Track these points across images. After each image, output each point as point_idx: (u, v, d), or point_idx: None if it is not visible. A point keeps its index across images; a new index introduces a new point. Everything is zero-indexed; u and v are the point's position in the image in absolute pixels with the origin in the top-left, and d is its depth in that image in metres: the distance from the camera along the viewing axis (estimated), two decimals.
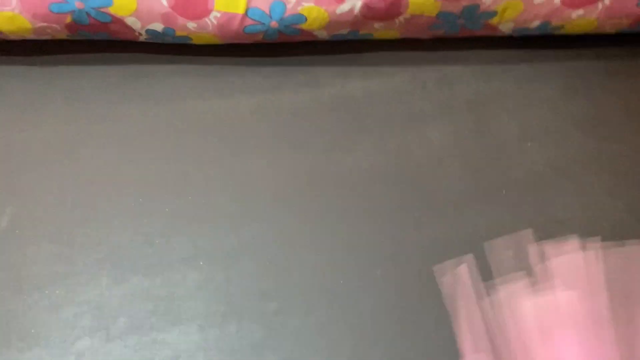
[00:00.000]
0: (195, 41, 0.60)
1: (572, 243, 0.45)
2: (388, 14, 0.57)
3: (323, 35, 0.60)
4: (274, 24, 0.57)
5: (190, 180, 0.54)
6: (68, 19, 0.56)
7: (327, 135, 0.57)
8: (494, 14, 0.58)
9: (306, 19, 0.57)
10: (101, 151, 0.55)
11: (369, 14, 0.57)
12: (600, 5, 0.58)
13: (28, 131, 0.56)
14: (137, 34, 0.58)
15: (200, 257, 0.50)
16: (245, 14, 0.56)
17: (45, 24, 0.56)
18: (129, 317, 0.47)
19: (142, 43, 0.61)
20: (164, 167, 0.55)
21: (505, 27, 0.60)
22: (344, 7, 0.56)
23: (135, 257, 0.50)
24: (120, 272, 0.49)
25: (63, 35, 0.59)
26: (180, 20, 0.56)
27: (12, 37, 0.58)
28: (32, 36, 0.58)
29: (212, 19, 0.56)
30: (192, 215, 0.52)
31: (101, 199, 0.53)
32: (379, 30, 0.59)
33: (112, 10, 0.55)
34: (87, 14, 0.55)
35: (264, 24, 0.57)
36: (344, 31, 0.59)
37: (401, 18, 0.58)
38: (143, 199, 0.53)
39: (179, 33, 0.58)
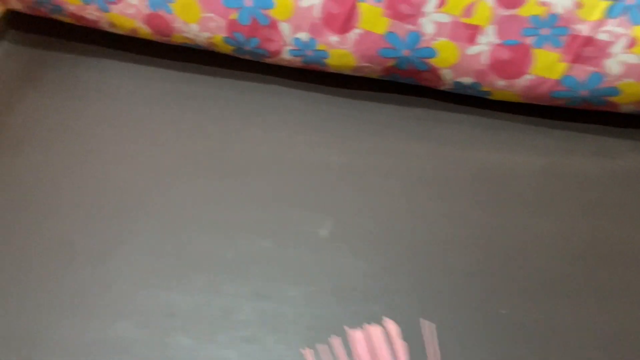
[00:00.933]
0: (494, 97, 0.64)
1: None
2: None
3: (629, 109, 0.61)
4: (584, 93, 0.59)
5: (469, 226, 0.57)
6: (390, 63, 0.62)
7: (615, 206, 0.58)
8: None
9: (620, 93, 0.58)
10: (385, 181, 0.61)
11: None
12: None
13: (343, 154, 0.63)
14: (443, 83, 0.64)
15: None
16: (559, 80, 0.59)
17: (367, 64, 0.63)
18: None
19: (440, 91, 0.66)
20: (440, 206, 0.59)
21: None
22: None
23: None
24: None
25: (375, 75, 0.66)
26: (492, 78, 0.61)
27: (333, 71, 0.66)
28: (347, 72, 0.66)
29: (524, 81, 0.60)
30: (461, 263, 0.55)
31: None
32: None
33: (433, 61, 0.61)
34: (409, 61, 0.62)
35: (574, 91, 0.59)
36: None
37: None
38: (417, 230, 0.57)
39: (483, 88, 0.62)
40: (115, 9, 0.65)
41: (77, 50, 0.72)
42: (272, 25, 0.62)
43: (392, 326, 0.50)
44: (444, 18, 0.58)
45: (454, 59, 0.60)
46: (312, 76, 0.68)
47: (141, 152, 0.62)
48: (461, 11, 0.58)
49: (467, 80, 0.62)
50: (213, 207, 0.58)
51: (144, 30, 0.67)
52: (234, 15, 0.62)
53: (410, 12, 0.58)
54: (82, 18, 0.68)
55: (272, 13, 0.62)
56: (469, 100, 0.65)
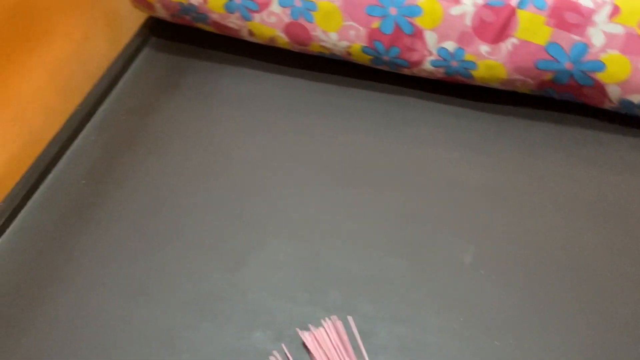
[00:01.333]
0: None
1: None
2: None
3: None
4: None
5: (635, 262, 0.51)
6: (548, 77, 0.57)
7: None
8: None
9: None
10: (536, 205, 0.55)
11: None
12: None
13: (479, 170, 0.58)
14: (608, 101, 0.57)
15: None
16: None
17: (520, 77, 0.59)
18: None
19: (601, 110, 0.60)
20: (601, 238, 0.52)
21: None
22: None
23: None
24: None
25: (525, 89, 0.60)
26: None
27: (479, 84, 0.62)
28: (494, 85, 0.62)
29: None
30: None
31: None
32: None
33: (599, 76, 0.55)
34: (572, 75, 0.56)
35: None
36: None
37: None
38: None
39: None
40: (257, 18, 0.65)
41: (214, 59, 0.73)
42: (417, 33, 0.59)
43: None
44: (617, 29, 0.52)
45: (625, 74, 0.54)
46: (451, 89, 0.65)
47: (275, 160, 0.61)
48: (637, 22, 0.52)
49: (637, 98, 0.55)
50: (348, 219, 0.55)
51: (282, 39, 0.67)
52: (376, 24, 0.60)
53: (578, 21, 0.53)
54: (224, 27, 0.69)
55: (418, 21, 0.59)
56: (635, 121, 0.59)
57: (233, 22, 0.68)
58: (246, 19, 0.66)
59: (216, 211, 0.57)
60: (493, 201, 0.56)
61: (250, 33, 0.69)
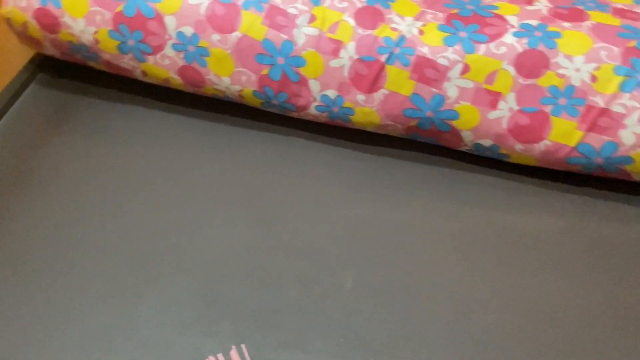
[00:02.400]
0: (512, 160, 0.66)
1: None
2: None
3: (638, 178, 0.64)
4: (599, 160, 0.62)
5: (490, 283, 0.58)
6: (413, 123, 0.65)
7: (629, 270, 0.59)
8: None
9: (634, 162, 0.61)
10: (405, 237, 0.62)
11: None
12: None
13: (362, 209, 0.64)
14: (463, 144, 0.67)
15: None
16: (575, 147, 0.61)
17: (391, 123, 0.66)
18: None
19: (459, 151, 0.68)
20: (461, 264, 0.60)
21: None
22: None
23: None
24: None
25: (397, 133, 0.68)
26: (512, 141, 0.63)
27: (357, 127, 0.69)
28: (370, 129, 0.69)
29: (542, 146, 0.62)
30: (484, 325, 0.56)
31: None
32: None
33: (455, 122, 0.64)
34: (432, 122, 0.64)
35: (589, 159, 0.62)
36: None
37: None
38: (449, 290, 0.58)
39: (502, 151, 0.65)
40: (151, 60, 0.68)
41: (106, 96, 0.74)
42: (302, 81, 0.65)
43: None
44: (467, 84, 0.62)
45: (475, 121, 0.63)
46: (336, 131, 0.71)
47: (168, 197, 0.64)
48: (484, 78, 0.62)
49: (486, 142, 0.65)
50: (241, 253, 0.59)
51: (176, 81, 0.70)
52: (265, 71, 0.65)
53: (436, 77, 0.62)
54: (116, 67, 0.71)
55: (303, 71, 0.65)
56: (487, 161, 0.68)
57: (126, 62, 0.70)
58: (140, 60, 0.68)
59: (109, 249, 0.58)
60: (372, 234, 0.62)
61: (144, 74, 0.71)
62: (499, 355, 0.53)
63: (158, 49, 0.66)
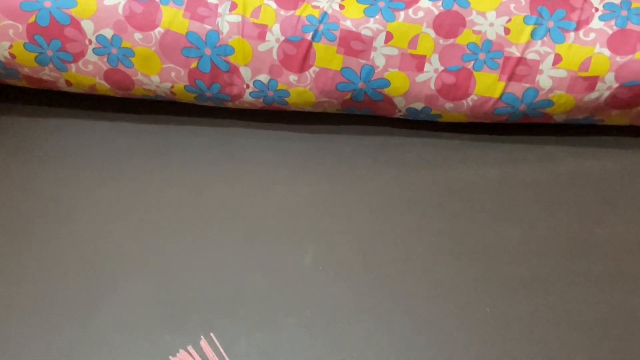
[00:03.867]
0: (444, 119, 0.69)
1: None
2: (629, 103, 0.65)
3: (561, 118, 0.68)
4: (522, 107, 0.66)
5: (439, 238, 0.61)
6: (347, 96, 0.67)
7: (572, 207, 0.63)
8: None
9: (554, 104, 0.65)
10: (356, 207, 0.64)
11: (613, 102, 0.64)
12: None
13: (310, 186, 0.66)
14: (397, 111, 0.69)
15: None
16: (500, 98, 0.65)
17: (326, 99, 0.68)
18: None
19: (395, 119, 0.71)
20: (411, 222, 0.62)
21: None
22: (592, 96, 0.64)
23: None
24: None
25: (334, 109, 0.70)
26: (441, 101, 0.66)
27: (294, 109, 0.70)
28: (308, 108, 0.70)
29: (469, 101, 0.66)
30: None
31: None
32: (613, 116, 0.67)
33: (386, 90, 0.66)
34: (365, 92, 0.66)
35: (513, 107, 0.65)
36: (581, 116, 0.67)
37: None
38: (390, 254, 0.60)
39: (433, 112, 0.68)
40: (73, 68, 0.66)
41: (30, 113, 0.71)
42: (233, 70, 0.65)
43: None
44: (393, 51, 0.64)
45: (405, 87, 0.66)
46: (274, 116, 0.72)
47: (116, 205, 0.62)
48: (407, 44, 0.64)
49: (419, 105, 0.67)
50: (196, 248, 0.59)
51: (103, 87, 0.68)
52: (194, 64, 0.65)
53: (362, 48, 0.64)
54: (38, 80, 0.68)
55: (232, 59, 0.65)
56: (422, 124, 0.71)
57: (47, 74, 0.67)
58: (61, 70, 0.66)
59: (59, 262, 0.57)
60: (322, 209, 0.63)
61: (68, 83, 0.69)
62: (463, 303, 0.56)
63: (79, 55, 0.65)
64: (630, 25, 0.62)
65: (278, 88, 0.66)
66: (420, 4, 0.64)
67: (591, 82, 0.63)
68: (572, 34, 0.63)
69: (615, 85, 0.63)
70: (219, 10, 0.64)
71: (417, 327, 0.54)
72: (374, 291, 0.56)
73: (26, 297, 0.54)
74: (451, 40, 0.64)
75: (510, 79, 0.64)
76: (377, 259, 0.59)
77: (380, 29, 0.63)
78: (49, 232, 0.60)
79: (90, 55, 0.65)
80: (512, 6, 0.64)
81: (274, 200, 0.64)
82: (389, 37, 0.64)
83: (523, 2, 0.64)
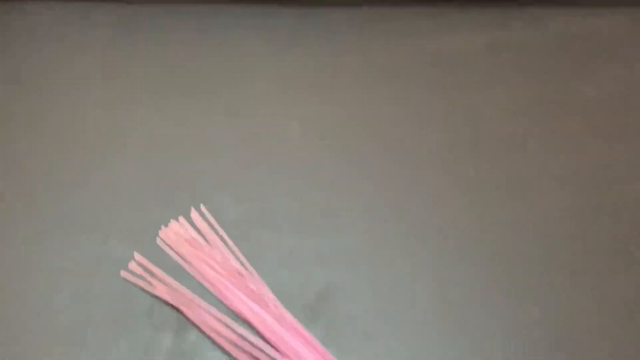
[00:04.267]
0: None
1: None
2: None
3: None
4: None
5: (430, 112, 0.60)
6: None
7: (560, 68, 0.62)
8: None
9: None
10: (339, 80, 0.62)
11: None
12: None
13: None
14: None
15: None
16: None
17: None
18: None
19: None
20: (394, 94, 0.61)
21: None
22: None
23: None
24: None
25: None
26: None
27: None
28: None
29: None
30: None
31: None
32: None
33: None
34: None
35: None
36: None
37: None
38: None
39: None
40: None
41: None
42: None
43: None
44: None
45: None
46: None
47: (88, 84, 0.60)
48: None
49: None
50: (183, 125, 0.58)
51: None
52: None
53: None
54: None
55: None
56: None
57: None
58: None
59: (38, 141, 0.56)
60: (308, 82, 0.62)
61: None
62: (450, 166, 0.55)
63: None
64: None
65: None
66: None
67: None
68: None
69: None
70: None
71: (403, 190, 0.54)
72: (355, 160, 0.56)
73: (2, 176, 0.54)
74: None
75: None
76: (362, 130, 0.58)
77: None
78: (26, 111, 0.58)
79: None
80: None
81: (257, 76, 0.62)
82: None
83: None
